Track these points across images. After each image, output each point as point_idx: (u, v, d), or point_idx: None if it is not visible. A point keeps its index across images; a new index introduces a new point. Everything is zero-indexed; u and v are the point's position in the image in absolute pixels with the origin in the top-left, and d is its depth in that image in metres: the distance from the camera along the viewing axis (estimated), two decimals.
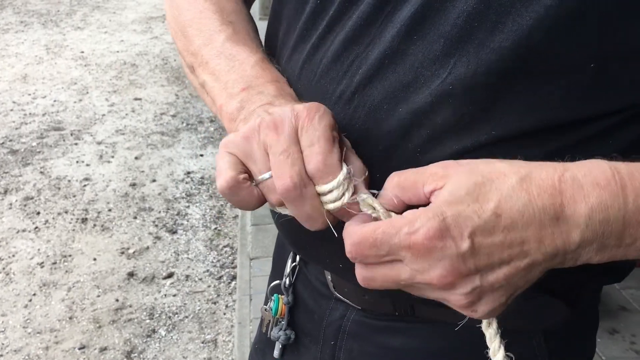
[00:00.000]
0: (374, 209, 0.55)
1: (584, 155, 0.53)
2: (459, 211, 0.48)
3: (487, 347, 0.68)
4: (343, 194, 0.54)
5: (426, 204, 0.51)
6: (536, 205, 0.48)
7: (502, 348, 0.56)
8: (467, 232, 0.48)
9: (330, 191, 0.55)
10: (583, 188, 0.49)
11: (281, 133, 0.55)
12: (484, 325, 0.57)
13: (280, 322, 0.87)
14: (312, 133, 0.54)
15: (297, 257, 0.86)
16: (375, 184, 0.57)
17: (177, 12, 0.78)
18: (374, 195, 0.56)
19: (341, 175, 0.54)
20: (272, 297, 0.87)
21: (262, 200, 0.58)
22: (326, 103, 0.60)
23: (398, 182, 0.54)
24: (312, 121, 0.55)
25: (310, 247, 0.75)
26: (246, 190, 0.56)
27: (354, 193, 0.55)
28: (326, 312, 0.81)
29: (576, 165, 0.51)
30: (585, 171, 0.49)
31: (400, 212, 0.53)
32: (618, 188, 0.49)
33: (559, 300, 0.69)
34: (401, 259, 0.50)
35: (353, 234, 0.52)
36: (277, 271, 0.93)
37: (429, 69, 0.58)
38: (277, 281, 0.88)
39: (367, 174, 0.57)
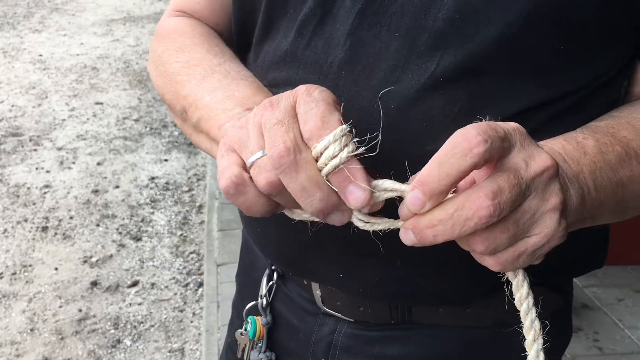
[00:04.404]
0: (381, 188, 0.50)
1: (561, 126, 0.61)
2: None
3: (485, 351, 0.70)
4: (341, 149, 0.49)
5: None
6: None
7: (531, 296, 0.54)
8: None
9: (326, 148, 0.49)
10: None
11: (276, 108, 0.52)
12: (509, 274, 0.54)
13: (257, 344, 0.85)
14: (311, 101, 0.51)
15: (275, 275, 0.84)
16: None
17: (163, 66, 0.77)
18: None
19: (339, 130, 0.49)
20: (248, 320, 0.85)
21: (272, 201, 0.53)
22: None
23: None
24: (311, 94, 0.52)
25: (302, 261, 0.74)
26: (254, 189, 0.52)
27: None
28: (314, 329, 0.80)
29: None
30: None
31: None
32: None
33: (553, 292, 0.75)
34: (533, 191, 0.49)
35: (484, 191, 0.47)
36: (246, 293, 0.91)
37: (416, 64, 0.61)
38: (253, 302, 0.86)
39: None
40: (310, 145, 0.50)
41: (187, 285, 2.91)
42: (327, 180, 0.50)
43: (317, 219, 0.54)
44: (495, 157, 0.48)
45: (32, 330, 2.61)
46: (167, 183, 3.77)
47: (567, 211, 0.53)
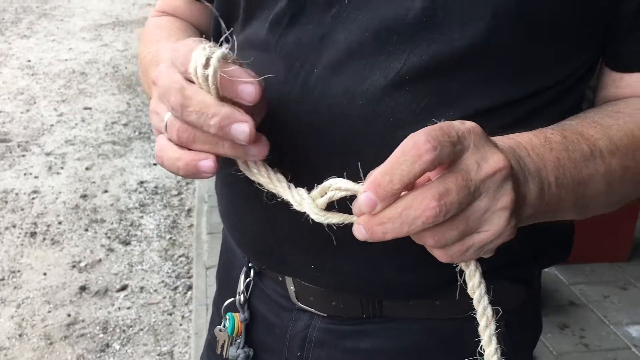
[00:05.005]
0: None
1: (532, 123, 0.63)
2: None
3: (459, 340, 0.73)
4: (211, 55, 0.51)
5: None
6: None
7: (483, 284, 0.57)
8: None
9: (196, 63, 0.52)
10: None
11: (159, 79, 0.57)
12: (462, 265, 0.57)
13: (236, 340, 0.86)
14: (175, 50, 0.56)
15: (252, 272, 0.85)
16: (340, 174, 0.57)
17: (140, 59, 0.84)
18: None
19: (203, 44, 0.52)
20: (227, 316, 0.86)
21: (187, 161, 0.56)
22: (291, 97, 0.65)
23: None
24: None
25: (276, 252, 0.75)
26: (169, 147, 0.56)
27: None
28: (289, 324, 0.81)
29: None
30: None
31: None
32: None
33: (518, 285, 0.77)
34: (483, 191, 0.51)
35: (432, 192, 0.49)
36: (225, 290, 0.92)
37: (384, 62, 0.63)
38: (231, 299, 0.87)
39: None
40: (188, 76, 0.53)
41: (176, 288, 2.92)
42: (221, 99, 0.53)
43: (316, 216, 0.56)
44: (446, 161, 0.50)
45: (20, 335, 2.61)
46: (156, 187, 3.77)
47: (522, 207, 0.55)
